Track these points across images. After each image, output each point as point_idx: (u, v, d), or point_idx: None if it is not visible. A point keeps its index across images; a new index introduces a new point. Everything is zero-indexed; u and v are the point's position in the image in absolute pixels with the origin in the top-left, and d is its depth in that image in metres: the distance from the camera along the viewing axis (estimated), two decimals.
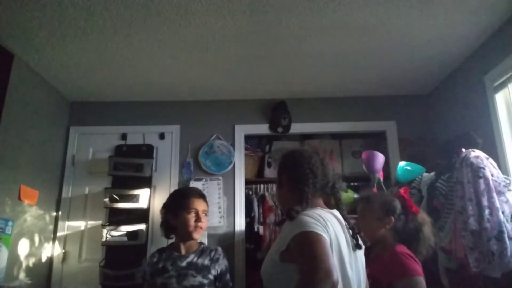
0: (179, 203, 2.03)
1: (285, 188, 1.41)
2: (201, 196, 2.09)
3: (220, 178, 3.12)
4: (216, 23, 2.20)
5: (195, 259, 1.94)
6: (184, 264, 1.92)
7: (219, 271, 1.95)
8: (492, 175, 1.88)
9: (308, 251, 1.12)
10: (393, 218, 1.74)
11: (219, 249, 2.05)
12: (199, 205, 2.03)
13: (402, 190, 1.91)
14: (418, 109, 3.27)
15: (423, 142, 3.14)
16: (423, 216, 1.79)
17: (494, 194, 1.83)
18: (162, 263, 1.95)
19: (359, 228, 1.46)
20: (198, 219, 2.00)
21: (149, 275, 1.96)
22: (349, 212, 1.84)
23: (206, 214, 2.06)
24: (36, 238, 2.71)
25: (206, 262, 1.94)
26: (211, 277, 1.90)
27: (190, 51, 2.51)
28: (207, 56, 2.59)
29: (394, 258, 1.61)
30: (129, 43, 2.39)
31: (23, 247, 2.54)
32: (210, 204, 2.93)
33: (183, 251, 1.99)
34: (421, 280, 1.53)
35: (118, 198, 2.87)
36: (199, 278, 1.86)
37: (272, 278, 1.26)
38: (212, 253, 1.99)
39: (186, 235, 2.00)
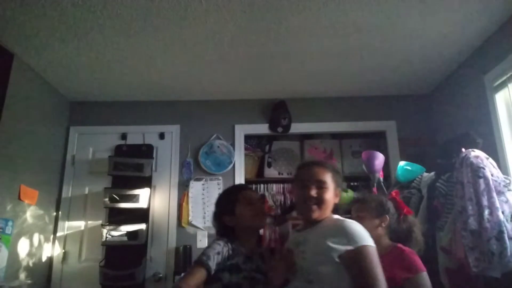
0: None
1: (333, 194, 1.48)
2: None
3: (220, 178, 3.12)
4: (216, 23, 2.20)
5: (260, 262, 1.68)
6: (254, 266, 1.66)
7: None
8: (492, 175, 1.88)
9: (369, 268, 1.22)
10: (388, 217, 1.82)
11: None
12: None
13: (393, 193, 2.03)
14: (418, 109, 3.27)
15: (423, 142, 3.14)
16: (413, 218, 1.91)
17: (494, 194, 1.82)
18: (236, 260, 1.64)
19: None
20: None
21: (216, 264, 1.59)
22: (347, 212, 1.89)
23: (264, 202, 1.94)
24: (36, 238, 2.71)
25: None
26: None
27: (190, 51, 2.51)
28: (207, 56, 2.59)
29: (403, 256, 1.69)
30: (129, 43, 2.39)
31: (23, 247, 2.54)
32: (209, 205, 2.94)
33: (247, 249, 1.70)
34: (426, 275, 1.65)
35: (118, 198, 2.87)
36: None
37: (326, 277, 1.27)
38: None
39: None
